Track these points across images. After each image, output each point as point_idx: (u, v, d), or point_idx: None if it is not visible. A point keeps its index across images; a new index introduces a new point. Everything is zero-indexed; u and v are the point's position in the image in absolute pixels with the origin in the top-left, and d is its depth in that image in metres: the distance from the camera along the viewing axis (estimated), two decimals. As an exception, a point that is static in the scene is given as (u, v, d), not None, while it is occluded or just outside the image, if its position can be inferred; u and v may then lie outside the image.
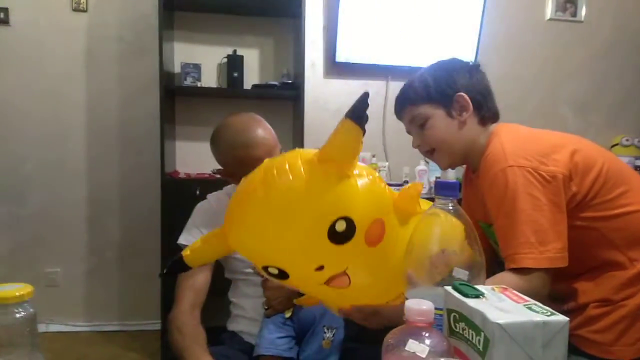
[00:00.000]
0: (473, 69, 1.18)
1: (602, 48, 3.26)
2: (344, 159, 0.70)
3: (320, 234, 0.69)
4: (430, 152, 1.20)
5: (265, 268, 0.75)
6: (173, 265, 0.79)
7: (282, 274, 0.74)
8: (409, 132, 1.23)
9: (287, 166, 0.70)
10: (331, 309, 0.98)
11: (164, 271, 0.80)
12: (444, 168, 1.24)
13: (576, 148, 1.06)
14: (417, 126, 1.18)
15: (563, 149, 1.05)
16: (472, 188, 1.22)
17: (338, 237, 0.69)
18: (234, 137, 1.24)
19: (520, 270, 0.96)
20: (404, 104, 1.19)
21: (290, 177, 0.69)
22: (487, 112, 1.16)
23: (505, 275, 0.97)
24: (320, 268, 0.73)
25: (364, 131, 0.67)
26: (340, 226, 0.69)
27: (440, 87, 1.14)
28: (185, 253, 0.78)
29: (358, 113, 0.66)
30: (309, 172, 0.69)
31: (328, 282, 0.75)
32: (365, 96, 0.67)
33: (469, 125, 1.15)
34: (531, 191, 0.98)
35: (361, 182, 0.72)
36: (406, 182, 2.84)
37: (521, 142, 1.07)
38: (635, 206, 1.06)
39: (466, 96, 1.13)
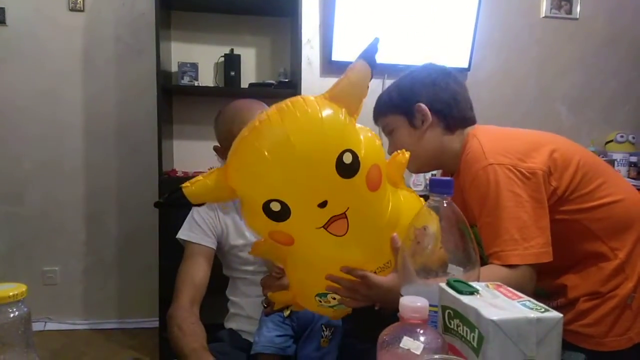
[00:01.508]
0: (439, 77, 1.18)
1: (596, 45, 3.27)
2: (353, 97, 0.76)
3: (328, 164, 0.71)
4: None
5: (267, 204, 0.73)
6: (171, 196, 0.77)
7: (283, 212, 0.73)
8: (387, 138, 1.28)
9: (301, 99, 0.74)
10: (326, 313, 0.98)
11: (161, 199, 0.79)
12: (412, 172, 1.29)
13: (554, 146, 1.08)
14: (387, 134, 1.24)
15: (541, 147, 1.07)
16: None
17: (345, 169, 0.72)
18: (234, 114, 1.27)
19: (506, 266, 0.97)
20: (376, 114, 1.26)
21: (305, 106, 0.72)
22: (451, 120, 1.17)
23: (492, 269, 0.98)
24: (324, 204, 0.73)
25: (372, 74, 0.76)
26: (348, 158, 0.72)
27: (402, 97, 1.18)
28: (185, 185, 0.77)
29: (371, 55, 0.76)
30: (321, 105, 0.73)
31: (327, 224, 0.75)
32: (376, 41, 0.77)
33: (430, 134, 1.17)
34: (512, 188, 1.00)
35: (362, 131, 0.78)
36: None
37: (500, 140, 1.09)
38: (613, 197, 1.08)
39: (424, 106, 1.15)
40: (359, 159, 0.74)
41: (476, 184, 1.04)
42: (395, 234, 0.85)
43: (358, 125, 0.80)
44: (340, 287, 0.88)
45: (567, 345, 1.05)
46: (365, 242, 0.83)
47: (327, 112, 0.73)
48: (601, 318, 1.04)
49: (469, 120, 1.20)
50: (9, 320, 0.54)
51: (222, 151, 1.33)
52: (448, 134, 1.17)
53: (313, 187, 0.72)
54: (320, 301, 0.92)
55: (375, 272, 0.87)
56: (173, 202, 0.78)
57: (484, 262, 1.09)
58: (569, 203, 1.06)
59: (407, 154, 0.88)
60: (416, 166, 1.23)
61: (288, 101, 0.74)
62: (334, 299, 0.91)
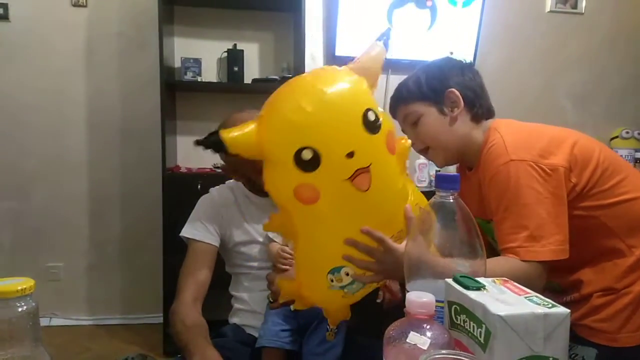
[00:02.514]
0: (465, 68, 1.19)
1: (602, 40, 3.25)
2: (371, 71, 0.86)
3: (356, 117, 0.80)
4: (424, 150, 1.22)
5: (299, 153, 0.77)
6: (209, 138, 0.79)
7: (314, 160, 0.78)
8: (403, 131, 1.24)
9: (329, 67, 0.85)
10: (335, 299, 0.98)
11: (199, 140, 0.80)
12: (440, 165, 1.25)
13: (575, 142, 1.07)
14: (410, 124, 1.19)
15: (563, 142, 1.06)
16: (467, 185, 1.22)
17: (370, 125, 0.80)
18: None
19: (521, 260, 0.97)
20: (397, 103, 1.21)
21: (334, 70, 0.83)
22: (479, 109, 1.16)
23: (501, 259, 0.98)
24: (351, 154, 0.79)
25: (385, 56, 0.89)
26: (372, 116, 0.80)
27: (431, 84, 1.16)
28: (224, 131, 0.80)
29: (385, 39, 0.89)
30: (348, 71, 0.84)
31: (353, 176, 0.80)
32: (388, 30, 0.90)
33: (460, 121, 1.15)
34: (532, 185, 0.99)
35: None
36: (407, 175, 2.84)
37: (522, 136, 1.09)
38: (632, 194, 1.08)
39: (457, 92, 1.14)
40: (380, 120, 0.82)
41: (496, 179, 1.03)
42: (408, 204, 0.89)
43: None
44: (357, 255, 0.87)
45: (579, 340, 1.05)
46: (384, 202, 0.87)
47: (353, 76, 0.83)
48: (615, 314, 1.04)
49: (492, 113, 1.19)
50: (18, 314, 0.55)
51: (229, 169, 1.32)
52: (474, 123, 1.16)
53: (343, 136, 0.79)
54: (332, 280, 0.91)
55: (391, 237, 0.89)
56: (210, 145, 0.80)
57: (495, 255, 1.09)
58: (587, 199, 1.05)
59: (409, 141, 0.94)
60: (444, 157, 1.20)
61: (318, 68, 0.86)
62: (347, 274, 0.91)
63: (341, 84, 0.81)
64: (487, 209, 1.09)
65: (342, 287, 0.93)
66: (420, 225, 0.77)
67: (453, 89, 1.14)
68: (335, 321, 1.04)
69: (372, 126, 0.81)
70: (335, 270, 0.91)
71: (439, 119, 1.16)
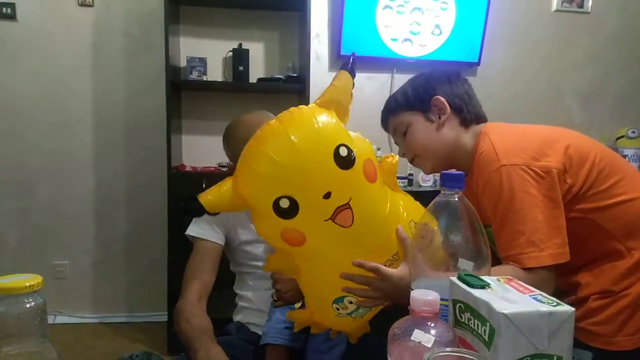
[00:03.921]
0: (452, 76, 1.20)
1: (608, 39, 3.24)
2: (340, 103, 0.85)
3: (327, 157, 0.79)
4: (413, 160, 1.23)
5: (277, 202, 0.78)
6: (189, 205, 0.81)
7: (292, 207, 0.78)
8: (396, 143, 1.26)
9: (296, 108, 0.83)
10: (345, 325, 0.98)
11: (181, 206, 0.82)
12: (427, 172, 1.26)
13: (569, 142, 1.05)
14: (401, 135, 1.21)
15: (555, 143, 1.05)
16: (465, 191, 1.22)
17: (343, 161, 0.80)
18: (246, 134, 1.24)
19: (523, 269, 0.95)
20: (387, 115, 1.23)
21: (300, 112, 0.82)
22: (467, 115, 1.16)
23: (507, 271, 0.96)
24: (328, 195, 0.79)
25: (354, 84, 0.88)
26: (343, 151, 0.80)
27: (417, 93, 1.17)
28: (202, 195, 0.81)
29: (350, 68, 0.88)
30: (315, 110, 0.83)
31: (334, 215, 0.80)
32: (353, 56, 0.90)
33: (448, 127, 1.16)
34: (527, 189, 0.98)
35: (353, 133, 0.87)
36: (411, 174, 2.83)
37: (512, 139, 1.07)
38: (630, 194, 1.05)
39: (442, 98, 1.15)
40: (354, 152, 0.82)
41: (490, 186, 1.02)
42: (399, 225, 0.89)
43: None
44: (355, 286, 0.89)
45: (575, 343, 1.03)
46: (372, 232, 0.87)
47: (320, 114, 0.82)
48: (612, 317, 1.02)
49: (482, 118, 1.19)
50: (26, 310, 0.55)
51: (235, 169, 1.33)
52: (463, 129, 1.16)
53: (316, 179, 0.79)
54: (338, 309, 0.93)
55: (385, 265, 0.89)
56: (189, 211, 0.81)
57: (496, 261, 1.09)
58: (584, 201, 1.04)
59: (397, 158, 0.95)
60: (432, 164, 1.21)
61: (286, 112, 0.83)
62: (351, 303, 0.92)
63: (308, 126, 0.80)
64: (484, 216, 1.08)
65: (349, 314, 0.94)
66: (419, 242, 0.75)
67: (439, 96, 1.15)
68: (356, 337, 1.05)
69: (346, 161, 0.80)
70: (339, 300, 0.92)
71: (426, 126, 1.17)
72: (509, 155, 1.01)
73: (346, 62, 0.89)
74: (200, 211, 0.81)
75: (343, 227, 0.81)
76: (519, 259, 0.96)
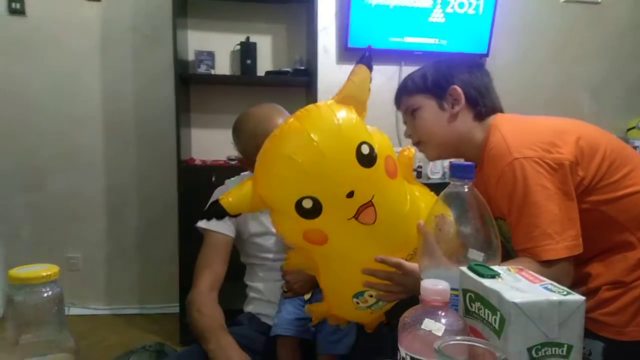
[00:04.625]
0: (474, 67, 1.19)
1: (618, 30, 3.19)
2: (359, 98, 0.83)
3: (349, 155, 0.78)
4: (418, 144, 1.22)
5: (299, 203, 0.77)
6: (211, 209, 0.81)
7: (315, 207, 0.77)
8: (404, 123, 1.24)
9: (313, 106, 0.82)
10: (363, 317, 0.99)
11: (204, 213, 0.82)
12: (430, 159, 1.26)
13: (580, 133, 1.05)
14: (410, 116, 1.20)
15: (567, 136, 1.04)
16: (475, 182, 1.22)
17: (364, 159, 0.78)
18: (256, 127, 1.25)
19: (540, 262, 0.96)
20: (401, 94, 1.22)
21: (318, 110, 0.80)
22: (482, 108, 1.15)
23: (524, 264, 0.96)
24: (351, 194, 0.78)
25: (371, 78, 0.86)
26: (365, 149, 0.78)
27: (436, 79, 1.16)
28: (223, 198, 0.81)
29: (367, 60, 0.85)
30: (333, 107, 0.81)
31: (357, 214, 0.79)
32: (369, 49, 0.87)
33: (461, 119, 1.14)
34: (540, 181, 0.98)
35: (370, 127, 0.85)
36: (420, 167, 2.83)
37: (523, 132, 1.06)
38: None
39: (459, 89, 1.13)
40: (375, 150, 0.80)
41: (503, 181, 1.01)
42: (421, 221, 0.87)
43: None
44: (376, 281, 0.90)
45: (586, 333, 1.03)
46: (394, 229, 0.86)
47: (339, 111, 0.80)
48: (623, 307, 1.02)
49: (497, 110, 1.18)
50: (43, 299, 0.56)
51: (247, 162, 1.33)
52: (476, 122, 1.15)
53: (339, 179, 0.78)
54: (358, 302, 0.93)
55: (406, 257, 0.90)
56: (212, 216, 0.81)
57: (506, 252, 1.09)
58: (595, 193, 1.03)
59: (413, 150, 0.95)
60: (436, 152, 1.21)
61: (302, 109, 0.81)
62: (371, 296, 0.93)
63: (328, 124, 0.78)
64: (495, 207, 1.08)
65: (369, 307, 0.95)
66: (438, 234, 0.75)
67: (456, 86, 1.13)
68: (372, 327, 1.05)
69: (368, 159, 0.79)
70: (359, 295, 0.93)
71: (437, 113, 1.15)
72: (521, 148, 1.00)
73: (363, 55, 0.87)
74: (222, 214, 0.81)
75: (366, 225, 0.81)
76: (535, 252, 0.96)
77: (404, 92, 1.20)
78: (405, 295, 0.94)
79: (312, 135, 0.76)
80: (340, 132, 0.78)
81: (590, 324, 1.03)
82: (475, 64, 1.20)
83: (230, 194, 0.82)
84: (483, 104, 1.15)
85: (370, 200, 0.80)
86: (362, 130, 0.81)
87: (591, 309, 1.04)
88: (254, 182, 0.82)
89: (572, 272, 0.98)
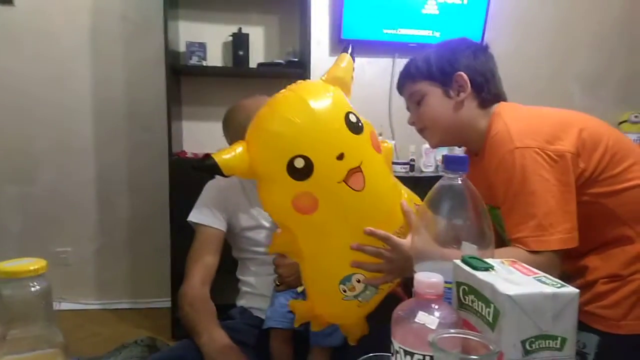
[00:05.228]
0: (479, 50, 1.16)
1: (611, 22, 3.20)
2: (344, 81, 0.90)
3: (339, 120, 0.83)
4: (422, 130, 1.20)
5: (291, 162, 0.80)
6: (204, 163, 0.81)
7: (307, 167, 0.80)
8: (408, 109, 1.22)
9: (303, 81, 0.90)
10: (351, 310, 0.98)
11: (194, 164, 0.83)
12: (432, 146, 1.24)
13: (583, 126, 1.04)
14: (414, 103, 1.18)
15: (569, 127, 1.03)
16: (475, 171, 1.20)
17: (353, 126, 0.84)
18: (246, 119, 1.23)
19: (529, 252, 0.96)
20: (404, 80, 1.19)
21: (310, 83, 0.89)
22: (487, 95, 1.13)
23: (513, 252, 0.96)
24: (341, 156, 0.82)
25: (354, 67, 0.94)
26: (353, 118, 0.84)
27: (440, 65, 1.13)
28: (217, 154, 0.82)
29: (350, 53, 0.94)
30: (323, 83, 0.89)
31: (347, 177, 0.82)
32: (351, 44, 0.96)
33: (466, 106, 1.13)
34: (540, 172, 0.97)
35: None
36: (412, 160, 2.83)
37: (526, 121, 1.06)
38: None
39: (465, 76, 1.11)
40: (361, 121, 0.86)
41: (502, 167, 1.01)
42: (403, 200, 0.92)
43: None
44: (365, 258, 0.88)
45: (580, 326, 1.02)
46: (381, 200, 0.90)
47: (328, 86, 0.88)
48: (620, 301, 1.02)
49: (501, 97, 1.16)
50: (31, 294, 0.55)
51: None
52: (480, 109, 1.13)
53: (331, 140, 0.82)
54: (345, 290, 0.92)
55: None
56: (204, 169, 0.81)
57: (502, 243, 1.09)
58: (596, 185, 1.03)
59: (391, 144, 0.98)
60: (439, 138, 1.19)
61: (294, 84, 0.87)
62: (359, 282, 0.92)
63: (320, 93, 0.85)
64: (494, 196, 1.08)
65: (356, 296, 0.94)
66: (421, 220, 0.77)
67: (461, 73, 1.11)
68: (355, 338, 1.04)
69: (355, 127, 0.84)
70: (346, 280, 0.92)
71: (443, 101, 1.13)
72: (523, 138, 1.00)
73: (346, 48, 0.94)
74: (214, 169, 0.81)
75: (355, 190, 0.83)
76: (527, 242, 0.96)
77: (408, 78, 1.18)
78: (393, 278, 0.93)
79: (306, 99, 0.82)
80: (331, 100, 0.84)
81: (586, 316, 1.03)
82: (479, 47, 1.17)
83: (223, 151, 0.82)
84: (488, 91, 1.13)
85: (359, 166, 0.83)
86: (349, 104, 0.88)
87: (587, 301, 1.04)
88: (246, 144, 0.84)
89: (559, 266, 0.98)
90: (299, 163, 0.80)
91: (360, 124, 0.85)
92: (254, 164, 0.83)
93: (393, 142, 2.86)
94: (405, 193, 0.97)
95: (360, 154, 0.84)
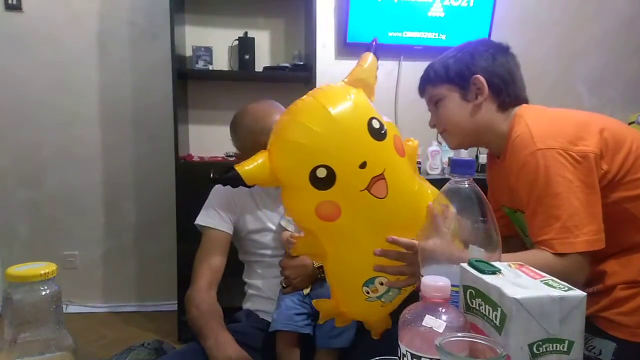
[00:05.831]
0: (498, 52, 1.15)
1: (619, 24, 3.18)
2: (367, 82, 0.89)
3: (362, 127, 0.81)
4: (442, 132, 1.21)
5: (314, 172, 0.79)
6: (226, 175, 0.81)
7: (329, 177, 0.79)
8: (429, 110, 1.23)
9: (325, 85, 0.87)
10: (374, 310, 0.98)
11: (216, 177, 0.82)
12: (452, 148, 1.24)
13: (604, 126, 1.03)
14: (434, 106, 1.18)
15: (591, 128, 1.02)
16: (496, 173, 1.20)
17: (376, 132, 0.82)
18: (254, 123, 1.25)
19: (554, 254, 0.94)
20: (424, 83, 1.20)
21: (331, 88, 0.86)
22: (506, 97, 1.12)
23: (538, 254, 0.95)
24: (364, 165, 0.80)
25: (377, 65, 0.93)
26: (376, 124, 0.82)
27: (458, 68, 1.13)
28: (239, 166, 0.82)
29: (374, 50, 0.92)
30: (344, 86, 0.87)
31: (370, 186, 0.81)
32: (374, 41, 0.94)
33: (484, 109, 1.12)
34: (563, 173, 0.96)
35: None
36: (419, 163, 2.82)
37: (548, 123, 1.05)
38: None
39: (482, 79, 1.10)
40: (384, 126, 0.84)
41: (525, 170, 1.00)
42: (430, 202, 0.87)
43: None
44: (387, 263, 0.87)
45: (598, 333, 1.02)
46: (404, 206, 0.88)
47: (350, 90, 0.85)
48: (638, 308, 1.00)
49: (522, 100, 1.15)
50: (41, 297, 0.56)
51: (245, 159, 1.32)
52: (500, 112, 1.12)
53: (353, 148, 0.81)
54: (368, 292, 0.92)
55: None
56: (226, 182, 0.81)
57: (523, 246, 1.07)
58: (618, 188, 1.01)
59: (417, 142, 0.94)
60: (458, 141, 1.19)
61: (316, 89, 0.86)
62: (382, 284, 0.91)
63: (341, 99, 0.82)
64: (515, 199, 1.07)
65: (379, 297, 0.94)
66: (444, 221, 0.75)
67: (478, 76, 1.10)
68: (378, 332, 1.04)
69: (378, 133, 0.82)
70: (369, 282, 0.92)
71: (460, 104, 1.13)
72: (545, 139, 0.99)
73: (369, 46, 0.92)
74: (237, 181, 0.80)
75: (378, 198, 0.82)
76: (552, 244, 0.95)
77: (428, 82, 1.18)
78: (416, 280, 0.92)
79: (327, 107, 0.80)
80: (352, 106, 0.82)
81: (604, 323, 1.01)
82: (499, 48, 1.16)
83: (245, 163, 0.82)
84: (507, 93, 1.12)
85: (382, 173, 0.82)
86: (372, 108, 0.86)
87: (605, 307, 1.02)
88: (268, 153, 0.83)
89: (587, 268, 0.96)
90: (321, 173, 0.79)
91: (383, 131, 0.83)
92: (277, 173, 0.82)
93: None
94: (432, 193, 0.94)
95: (383, 161, 0.83)
